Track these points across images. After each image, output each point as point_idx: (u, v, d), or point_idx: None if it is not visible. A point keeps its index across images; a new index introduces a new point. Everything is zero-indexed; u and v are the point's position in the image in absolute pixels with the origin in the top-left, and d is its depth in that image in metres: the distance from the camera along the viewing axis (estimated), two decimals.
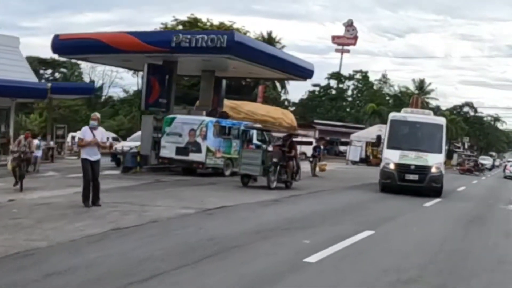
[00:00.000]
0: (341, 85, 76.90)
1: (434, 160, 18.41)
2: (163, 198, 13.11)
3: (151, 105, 23.85)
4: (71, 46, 24.38)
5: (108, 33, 24.37)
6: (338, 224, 10.78)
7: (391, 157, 18.52)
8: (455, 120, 63.89)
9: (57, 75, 73.30)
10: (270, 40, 66.88)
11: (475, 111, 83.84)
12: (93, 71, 66.47)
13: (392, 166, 18.38)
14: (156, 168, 22.86)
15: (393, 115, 20.35)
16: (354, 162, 45.79)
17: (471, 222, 13.03)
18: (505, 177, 44.99)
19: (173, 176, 21.02)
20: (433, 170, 18.20)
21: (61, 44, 24.73)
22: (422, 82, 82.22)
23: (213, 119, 21.96)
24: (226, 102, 31.69)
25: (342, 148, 58.11)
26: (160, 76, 23.85)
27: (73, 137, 46.96)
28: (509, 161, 59.41)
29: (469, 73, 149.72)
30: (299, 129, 63.92)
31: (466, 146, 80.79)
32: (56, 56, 33.85)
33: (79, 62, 58.80)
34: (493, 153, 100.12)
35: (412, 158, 18.33)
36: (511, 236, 11.56)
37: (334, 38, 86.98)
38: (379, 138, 21.17)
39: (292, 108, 75.20)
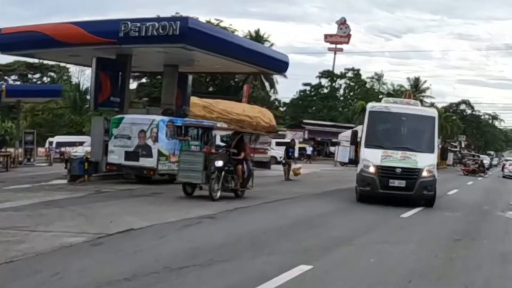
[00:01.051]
0: (333, 84, 74.20)
1: (425, 161, 14.95)
2: (69, 219, 10.42)
3: (101, 104, 21.15)
4: (14, 41, 21.62)
5: (52, 25, 21.61)
6: (268, 254, 7.94)
7: (371, 158, 14.96)
8: (450, 117, 61.04)
9: (45, 79, 70.94)
10: (257, 38, 64.40)
11: (472, 109, 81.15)
12: (82, 74, 63.64)
13: (372, 170, 14.80)
14: (108, 176, 20.11)
15: (372, 106, 16.63)
16: (342, 163, 42.94)
17: (457, 242, 10.19)
18: (504, 176, 43.22)
19: (121, 185, 18.24)
20: (424, 174, 14.75)
21: (3, 39, 22.00)
22: (417, 80, 80.00)
23: (166, 118, 19.17)
24: (197, 100, 29.09)
25: (332, 148, 55.39)
26: (112, 72, 21.14)
27: (50, 143, 44.81)
28: (507, 160, 57.01)
29: (467, 73, 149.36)
30: (288, 130, 61.83)
31: (462, 145, 78.15)
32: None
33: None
34: (491, 152, 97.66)
35: (397, 159, 14.88)
36: (508, 261, 8.78)
37: (327, 37, 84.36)
38: (354, 134, 17.08)
39: (283, 109, 72.69)
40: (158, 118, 18.93)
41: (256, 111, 30.53)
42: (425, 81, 78.80)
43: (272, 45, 66.18)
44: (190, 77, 26.70)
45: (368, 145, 15.51)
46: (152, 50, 20.89)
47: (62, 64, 57.44)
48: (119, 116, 19.51)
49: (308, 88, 74.70)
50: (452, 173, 43.40)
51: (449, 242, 10.11)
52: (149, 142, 18.30)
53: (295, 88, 76.81)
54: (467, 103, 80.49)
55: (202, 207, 12.39)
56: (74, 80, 66.60)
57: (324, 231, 10.42)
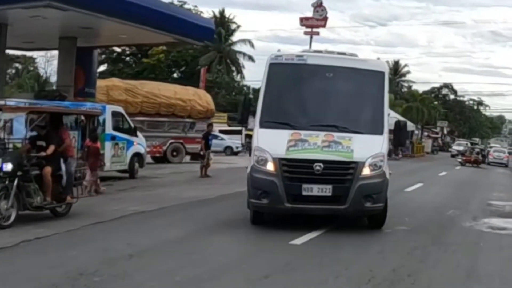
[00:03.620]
0: None
1: (367, 150, 9.02)
2: None
3: None
4: None
5: None
6: None
7: (270, 145, 8.97)
8: (427, 99, 56.21)
9: (10, 70, 66.14)
10: (222, 19, 59.58)
11: (455, 93, 76.62)
12: (49, 65, 58.47)
13: (270, 167, 8.81)
14: None
15: (275, 56, 9.91)
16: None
17: None
18: (489, 163, 40.47)
19: None
20: (366, 171, 8.89)
21: None
22: (396, 64, 75.39)
23: (25, 101, 14.27)
24: (119, 83, 24.24)
25: None
26: None
27: None
28: (492, 147, 53.31)
29: (453, 60, 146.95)
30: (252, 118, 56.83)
31: (445, 131, 73.79)
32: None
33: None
34: (476, 139, 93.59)
35: (317, 146, 8.94)
36: None
37: (302, 20, 79.51)
38: (247, 104, 11.07)
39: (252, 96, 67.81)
40: (11, 103, 13.88)
41: (190, 94, 25.69)
42: (405, 65, 74.33)
43: (238, 26, 61.61)
44: (96, 53, 21.99)
45: (265, 122, 9.31)
46: (25, 16, 16.01)
47: (28, 54, 52.33)
48: None
49: None
50: (434, 161, 38.95)
51: None
52: (1, 134, 13.37)
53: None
54: (449, 87, 75.86)
55: None
56: (41, 71, 61.61)
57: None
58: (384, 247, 8.39)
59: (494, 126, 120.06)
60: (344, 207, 8.82)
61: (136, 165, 17.28)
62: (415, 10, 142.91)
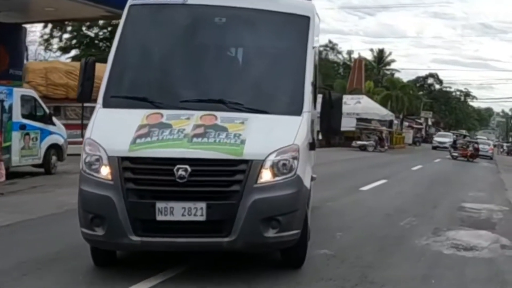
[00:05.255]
0: None
1: (270, 140, 5.41)
2: None
3: None
4: None
5: None
6: None
7: (109, 136, 5.42)
8: (408, 87, 52.86)
9: None
10: None
11: (441, 83, 73.80)
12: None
13: (105, 173, 5.22)
14: None
15: None
16: None
17: None
18: None
19: None
20: (265, 176, 5.22)
21: None
22: (381, 52, 72.39)
23: None
24: (59, 64, 22.66)
25: None
26: None
27: None
28: (478, 139, 50.73)
29: (442, 52, 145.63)
30: None
31: (429, 122, 70.99)
32: None
33: None
34: (463, 131, 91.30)
35: (183, 135, 5.31)
36: None
37: None
38: (89, 70, 6.04)
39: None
40: None
41: None
42: (390, 53, 71.32)
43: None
44: (24, 30, 19.18)
45: (112, 99, 5.84)
46: None
47: None
48: None
49: None
50: (413, 153, 35.94)
51: None
52: None
53: None
54: (435, 76, 73.10)
55: None
56: None
57: None
58: None
59: (482, 118, 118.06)
60: (229, 239, 5.11)
61: (54, 158, 14.33)
62: (405, 0, 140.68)
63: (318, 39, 7.43)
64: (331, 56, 65.04)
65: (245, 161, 5.18)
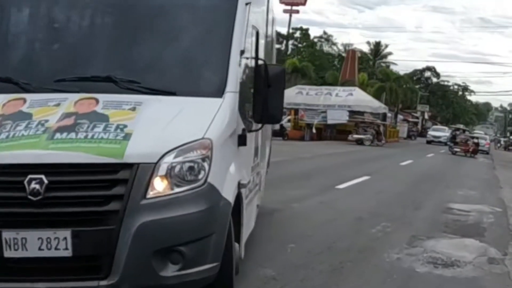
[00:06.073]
0: (278, 46, 64.71)
1: (169, 133, 3.70)
2: None
3: None
4: None
5: None
6: None
7: None
8: (402, 79, 51.30)
9: None
10: None
11: (438, 76, 72.33)
12: None
13: None
14: None
15: None
16: None
17: None
18: None
19: None
20: (157, 186, 3.50)
21: None
22: (378, 45, 70.91)
23: None
24: None
25: None
26: None
27: None
28: (475, 133, 49.49)
29: (441, 46, 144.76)
30: None
31: (426, 116, 69.49)
32: None
33: None
34: (461, 126, 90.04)
35: (43, 130, 3.63)
36: None
37: None
38: None
39: None
40: None
41: None
42: (386, 46, 69.84)
43: None
44: None
45: None
46: None
47: None
48: None
49: None
50: (406, 147, 34.48)
51: None
52: None
53: None
54: (432, 69, 71.59)
55: None
56: None
57: None
58: None
59: (480, 112, 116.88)
60: (108, 283, 3.46)
61: None
62: None
63: None
64: (326, 48, 63.52)
65: (128, 165, 3.50)
